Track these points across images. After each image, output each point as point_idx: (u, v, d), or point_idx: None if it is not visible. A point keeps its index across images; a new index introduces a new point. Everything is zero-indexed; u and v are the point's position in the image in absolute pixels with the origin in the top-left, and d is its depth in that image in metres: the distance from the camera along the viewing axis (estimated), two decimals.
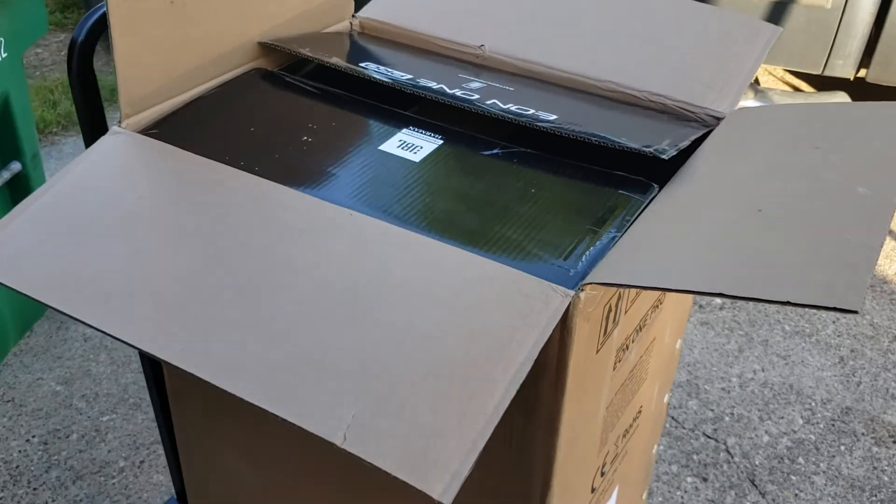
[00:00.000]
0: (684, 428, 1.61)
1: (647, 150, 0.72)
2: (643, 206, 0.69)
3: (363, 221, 0.65)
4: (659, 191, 0.71)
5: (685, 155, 0.75)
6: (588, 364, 0.66)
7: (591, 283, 0.58)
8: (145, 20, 0.74)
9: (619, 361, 0.76)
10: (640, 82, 0.88)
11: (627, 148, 0.72)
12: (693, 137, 0.78)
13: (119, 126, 0.76)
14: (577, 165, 0.74)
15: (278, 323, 0.56)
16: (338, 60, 0.85)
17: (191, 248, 0.64)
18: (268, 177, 0.71)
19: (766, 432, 1.60)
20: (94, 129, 0.85)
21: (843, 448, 1.57)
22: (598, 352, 0.68)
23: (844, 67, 2.05)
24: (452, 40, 0.96)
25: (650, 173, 0.73)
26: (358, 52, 0.92)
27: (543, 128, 0.75)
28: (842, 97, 2.08)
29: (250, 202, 0.68)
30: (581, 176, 0.73)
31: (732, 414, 1.64)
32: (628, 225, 0.67)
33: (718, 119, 0.84)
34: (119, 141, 0.75)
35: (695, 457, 1.55)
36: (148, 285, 0.60)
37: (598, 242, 0.64)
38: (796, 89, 2.51)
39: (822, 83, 2.36)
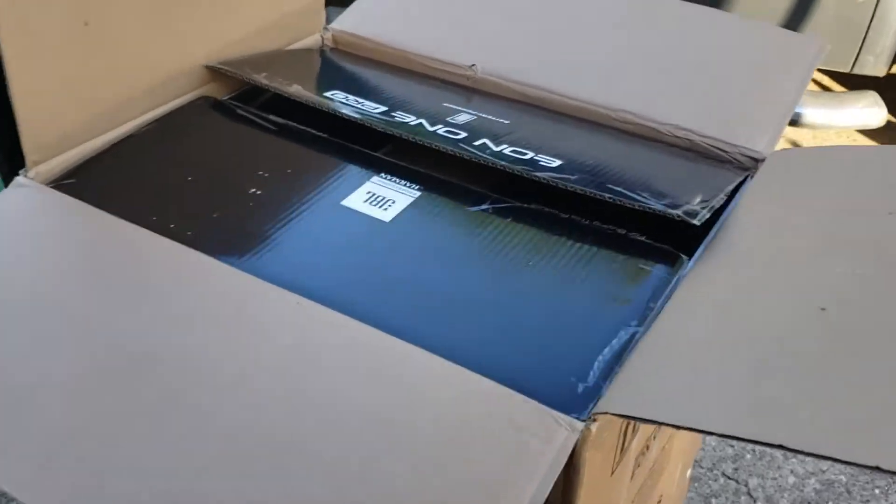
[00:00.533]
0: (702, 467, 1.47)
1: (674, 212, 0.57)
2: (670, 287, 0.55)
3: (313, 314, 0.51)
4: (689, 262, 0.57)
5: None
6: (601, 488, 0.52)
7: (605, 414, 0.44)
8: (51, 46, 0.60)
9: (639, 466, 0.62)
10: (661, 113, 0.73)
11: (649, 209, 0.58)
12: (728, 190, 0.63)
13: (24, 176, 0.62)
14: (585, 226, 0.60)
15: (189, 470, 0.42)
16: (298, 89, 0.70)
17: (92, 351, 0.50)
18: (201, 243, 0.56)
19: (792, 472, 1.46)
20: (12, 172, 0.70)
21: (877, 492, 1.43)
22: (612, 473, 0.54)
23: (876, 65, 1.89)
24: (438, 59, 0.81)
25: (677, 235, 0.58)
26: (327, 76, 0.77)
27: (544, 179, 0.61)
28: (872, 97, 1.92)
29: (173, 285, 0.54)
30: (591, 240, 0.58)
31: (754, 451, 1.50)
32: (652, 315, 0.52)
33: (756, 160, 0.69)
34: (22, 196, 0.61)
35: (713, 501, 1.41)
36: (30, 406, 0.46)
37: (613, 342, 0.50)
38: (824, 87, 2.34)
39: (851, 81, 2.19)
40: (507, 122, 0.72)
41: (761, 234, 0.56)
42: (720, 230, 0.58)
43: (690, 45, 0.77)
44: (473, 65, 0.80)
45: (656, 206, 0.58)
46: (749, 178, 0.67)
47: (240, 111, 0.72)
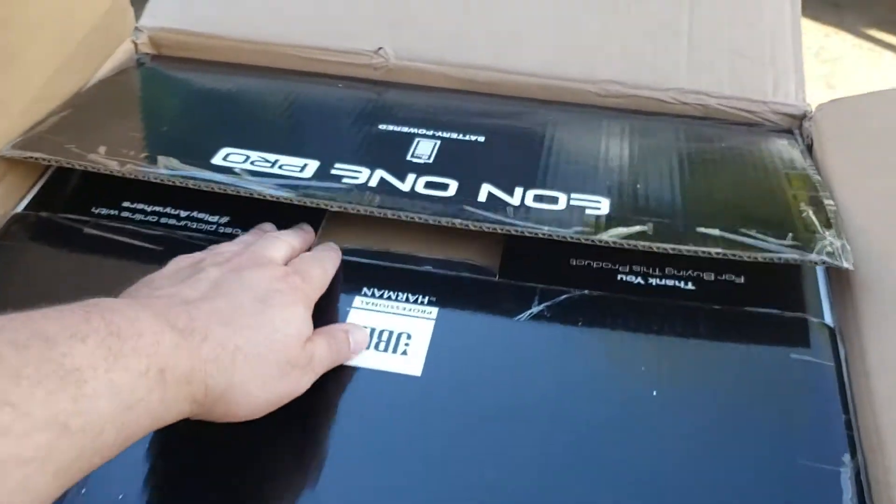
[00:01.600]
0: None
1: (812, 258, 0.40)
2: (846, 378, 0.39)
3: None
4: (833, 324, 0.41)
5: None
6: None
7: None
8: None
9: None
10: (656, 77, 0.55)
11: (778, 259, 0.40)
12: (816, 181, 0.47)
13: None
14: (694, 311, 0.42)
15: None
16: (133, 168, 0.44)
17: None
18: None
19: None
20: None
21: None
22: None
23: None
24: (325, 47, 0.57)
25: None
26: (161, 120, 0.51)
27: (615, 243, 0.41)
28: None
29: None
30: (709, 330, 0.41)
31: None
32: (856, 431, 0.36)
33: (796, 117, 0.53)
34: None
35: None
36: None
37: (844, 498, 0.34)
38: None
39: None
40: (480, 138, 0.50)
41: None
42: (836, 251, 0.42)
43: None
44: (380, 48, 0.56)
45: (780, 250, 0.41)
46: (796, 141, 0.52)
47: (87, 230, 0.45)
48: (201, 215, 0.47)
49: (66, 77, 0.51)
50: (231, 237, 0.45)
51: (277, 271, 0.37)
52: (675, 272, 0.45)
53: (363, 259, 0.45)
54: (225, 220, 0.47)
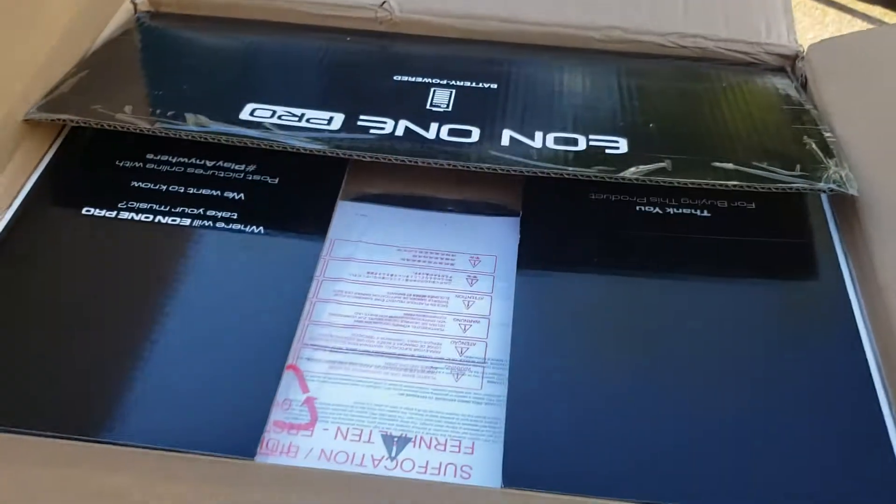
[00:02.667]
0: None
1: (822, 186, 0.43)
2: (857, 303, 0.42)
3: None
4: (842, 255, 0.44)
5: None
6: None
7: None
8: None
9: None
10: (655, 21, 0.57)
11: (790, 187, 0.43)
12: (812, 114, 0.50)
13: None
14: (713, 244, 0.45)
15: None
16: (163, 126, 0.45)
17: None
18: None
19: None
20: None
21: None
22: None
23: None
24: (321, 1, 0.58)
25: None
26: (179, 78, 0.51)
27: (637, 180, 0.44)
28: None
29: None
30: (727, 265, 0.44)
31: None
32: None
33: (788, 56, 0.56)
34: None
35: None
36: None
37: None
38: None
39: None
40: (494, 86, 0.52)
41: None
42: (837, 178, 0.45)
43: None
44: (385, 2, 0.57)
45: (790, 180, 0.43)
46: (790, 79, 0.54)
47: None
48: (227, 164, 0.48)
49: (74, 39, 0.51)
50: (260, 184, 0.47)
51: None
52: (691, 201, 0.47)
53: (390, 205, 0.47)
54: (252, 167, 0.48)
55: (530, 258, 0.44)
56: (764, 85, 0.53)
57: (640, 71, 0.54)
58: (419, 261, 0.46)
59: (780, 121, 0.49)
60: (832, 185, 0.43)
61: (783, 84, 0.53)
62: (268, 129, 0.45)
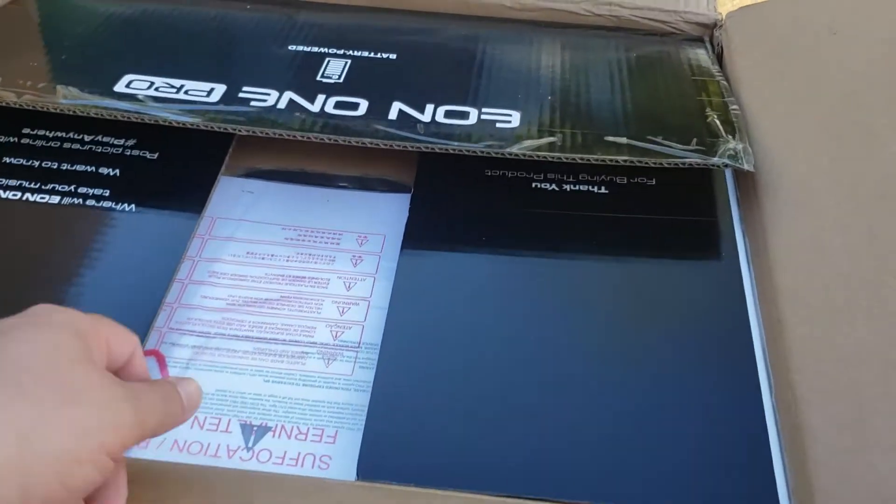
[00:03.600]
0: None
1: (716, 161, 0.41)
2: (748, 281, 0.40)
3: None
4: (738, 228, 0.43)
5: None
6: None
7: None
8: None
9: None
10: None
11: (683, 163, 0.41)
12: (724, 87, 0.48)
13: None
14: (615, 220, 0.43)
15: None
16: (31, 98, 0.43)
17: None
18: None
19: None
20: None
21: None
22: None
23: None
24: None
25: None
26: (60, 48, 0.49)
27: (530, 154, 0.42)
28: None
29: None
30: (622, 242, 0.42)
31: None
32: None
33: (706, 25, 0.54)
34: None
35: None
36: None
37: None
38: None
39: None
40: (392, 56, 0.50)
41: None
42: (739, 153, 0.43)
43: None
44: None
45: (684, 154, 0.42)
46: (706, 49, 0.52)
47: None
48: (106, 139, 0.46)
49: None
50: (138, 159, 0.45)
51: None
52: (589, 177, 0.45)
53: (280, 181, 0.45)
54: (131, 142, 0.46)
55: (416, 237, 0.42)
56: (677, 55, 0.51)
57: (548, 42, 0.52)
58: (303, 240, 0.44)
59: (685, 93, 0.47)
60: (726, 161, 0.41)
61: (697, 54, 0.51)
62: (141, 101, 0.43)
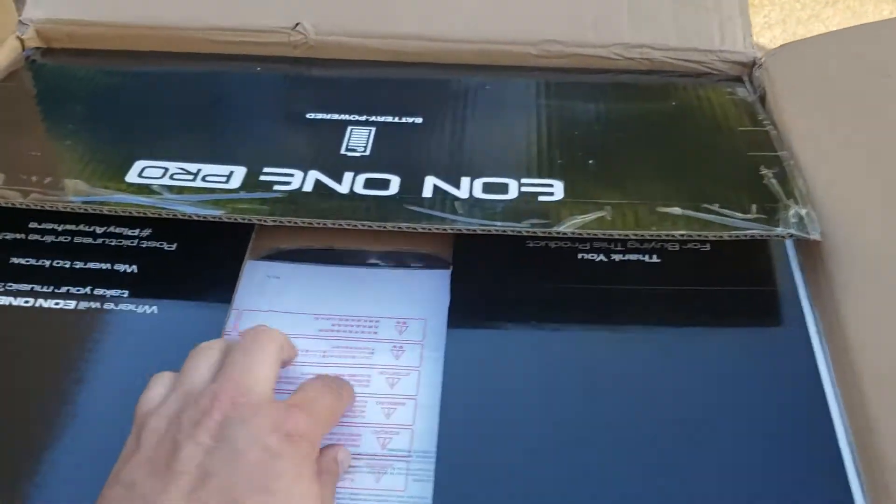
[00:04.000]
0: None
1: (779, 231, 0.39)
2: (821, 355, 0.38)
3: None
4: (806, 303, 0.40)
5: None
6: None
7: None
8: None
9: None
10: (598, 33, 0.51)
11: (746, 235, 0.38)
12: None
13: None
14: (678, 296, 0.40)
15: None
16: (38, 197, 0.40)
17: None
18: None
19: None
20: None
21: None
22: None
23: None
24: (229, 27, 0.52)
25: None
26: (63, 131, 0.46)
27: (563, 233, 0.39)
28: None
29: None
30: (680, 317, 0.39)
31: None
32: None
33: (745, 64, 0.51)
34: None
35: None
36: None
37: None
38: None
39: None
40: (418, 120, 0.47)
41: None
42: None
43: None
44: (298, 24, 0.52)
45: (745, 225, 0.39)
46: (747, 91, 0.49)
47: None
48: (120, 230, 0.43)
49: None
50: (156, 251, 0.42)
51: (269, 422, 0.30)
52: (639, 245, 0.43)
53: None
54: (147, 232, 0.43)
55: (461, 323, 0.40)
56: (719, 101, 0.48)
57: (581, 93, 0.49)
58: (338, 331, 0.41)
59: (735, 149, 0.44)
60: (791, 230, 0.38)
61: (738, 100, 0.48)
62: (157, 192, 0.40)
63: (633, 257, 0.42)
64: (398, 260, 0.45)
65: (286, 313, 0.42)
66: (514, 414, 0.36)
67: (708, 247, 0.43)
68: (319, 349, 0.40)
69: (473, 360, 0.38)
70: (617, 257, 0.42)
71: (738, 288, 0.41)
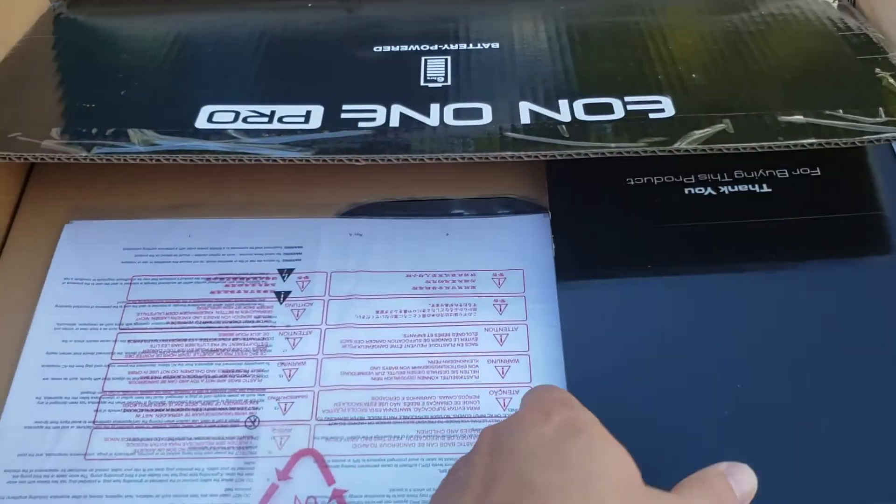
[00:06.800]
0: None
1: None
2: None
3: None
4: None
5: None
6: None
7: None
8: None
9: None
10: None
11: (878, 141, 0.36)
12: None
13: None
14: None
15: None
16: (102, 151, 0.36)
17: None
18: None
19: None
20: None
21: None
22: None
23: None
24: None
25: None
26: (114, 82, 0.42)
27: (686, 151, 0.36)
28: None
29: None
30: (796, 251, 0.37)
31: None
32: None
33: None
34: None
35: None
36: None
37: None
38: None
39: None
40: (495, 45, 0.43)
41: None
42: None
43: None
44: None
45: (878, 129, 0.36)
46: None
47: None
48: None
49: None
50: None
51: None
52: (745, 174, 0.40)
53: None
54: None
55: (570, 275, 0.37)
56: (810, 7, 0.45)
57: (666, 6, 0.45)
58: (434, 288, 0.38)
59: (842, 53, 0.41)
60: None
61: (829, 4, 0.45)
62: (233, 137, 0.36)
63: (742, 188, 0.39)
64: (481, 208, 0.41)
65: (377, 272, 0.39)
66: (641, 367, 0.33)
67: (818, 171, 0.40)
68: (418, 309, 0.37)
69: (591, 313, 0.35)
70: (726, 189, 0.39)
71: (859, 213, 0.38)
